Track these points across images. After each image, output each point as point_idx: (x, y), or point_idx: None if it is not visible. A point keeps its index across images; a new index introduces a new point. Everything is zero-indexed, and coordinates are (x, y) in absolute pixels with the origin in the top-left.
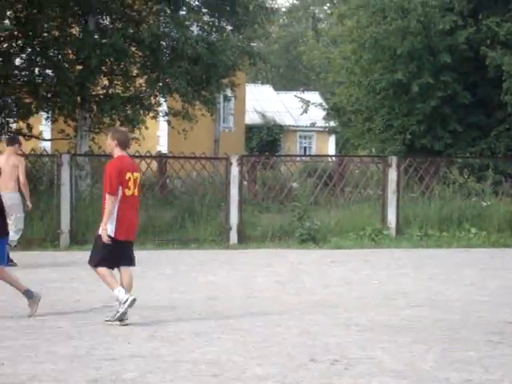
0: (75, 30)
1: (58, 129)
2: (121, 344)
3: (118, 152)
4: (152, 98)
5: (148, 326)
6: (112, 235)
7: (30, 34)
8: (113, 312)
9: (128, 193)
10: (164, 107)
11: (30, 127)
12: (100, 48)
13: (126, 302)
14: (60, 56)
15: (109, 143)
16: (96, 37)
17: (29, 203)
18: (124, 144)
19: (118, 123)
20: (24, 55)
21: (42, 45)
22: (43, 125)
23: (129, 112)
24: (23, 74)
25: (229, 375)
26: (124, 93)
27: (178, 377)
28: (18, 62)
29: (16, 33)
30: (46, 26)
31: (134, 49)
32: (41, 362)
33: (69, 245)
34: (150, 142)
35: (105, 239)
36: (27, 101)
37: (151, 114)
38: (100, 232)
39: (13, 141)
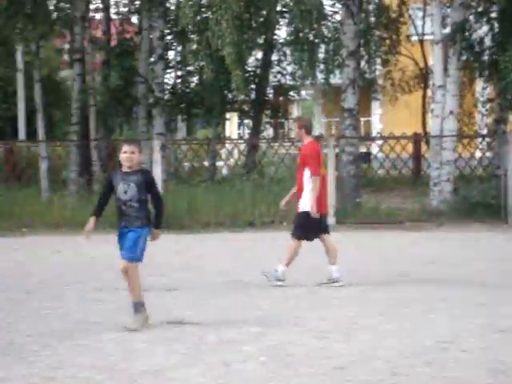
0: None
1: None
2: None
3: (307, 138)
4: None
5: None
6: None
7: None
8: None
9: (323, 172)
10: None
11: None
12: None
13: (280, 281)
14: None
15: (297, 131)
16: None
17: None
18: (310, 130)
19: None
20: None
21: None
22: None
23: None
24: None
25: None
26: None
27: None
28: None
29: None
30: None
31: None
32: None
33: None
34: None
35: (315, 215)
36: None
37: None
38: (304, 209)
39: None
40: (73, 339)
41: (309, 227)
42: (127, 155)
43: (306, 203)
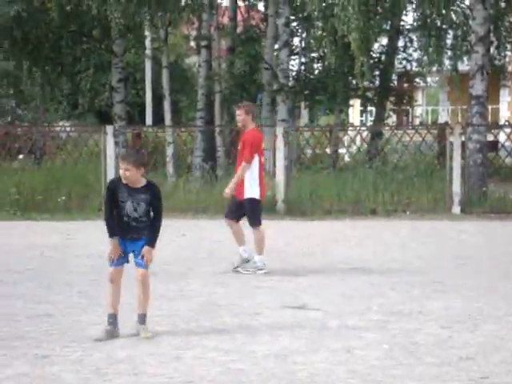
0: None
1: None
2: None
3: (252, 124)
4: None
5: None
6: (257, 197)
7: None
8: (246, 264)
9: (263, 160)
10: None
11: None
12: None
13: (261, 269)
14: None
15: (243, 117)
16: None
17: None
18: (255, 116)
19: None
20: None
21: None
22: None
23: None
24: None
25: None
26: None
27: None
28: None
29: None
30: None
31: None
32: None
33: None
34: None
35: (226, 196)
36: None
37: None
38: (253, 196)
39: None
40: (197, 321)
41: (255, 212)
42: (121, 172)
43: (254, 190)
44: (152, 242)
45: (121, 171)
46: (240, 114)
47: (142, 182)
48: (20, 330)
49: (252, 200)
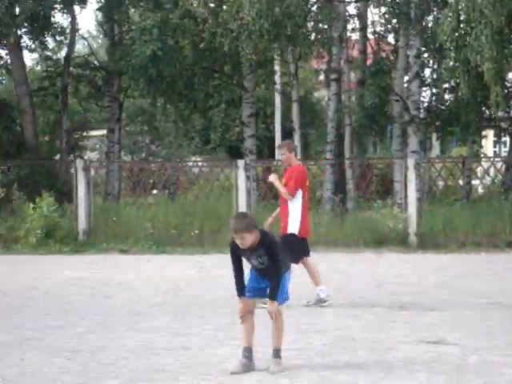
0: None
1: None
2: None
3: (295, 161)
4: None
5: None
6: (296, 233)
7: None
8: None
9: (307, 197)
10: None
11: None
12: None
13: (325, 302)
14: None
15: (287, 155)
16: None
17: None
18: (296, 154)
19: None
20: None
21: None
22: None
23: None
24: None
25: None
26: None
27: None
28: None
29: None
30: None
31: None
32: None
33: None
34: None
35: (272, 178)
36: None
37: None
38: (291, 231)
39: None
40: (332, 355)
41: (293, 249)
42: (238, 242)
43: (295, 225)
44: (274, 295)
45: (237, 241)
46: (284, 153)
47: (258, 238)
48: (158, 362)
49: (290, 235)
